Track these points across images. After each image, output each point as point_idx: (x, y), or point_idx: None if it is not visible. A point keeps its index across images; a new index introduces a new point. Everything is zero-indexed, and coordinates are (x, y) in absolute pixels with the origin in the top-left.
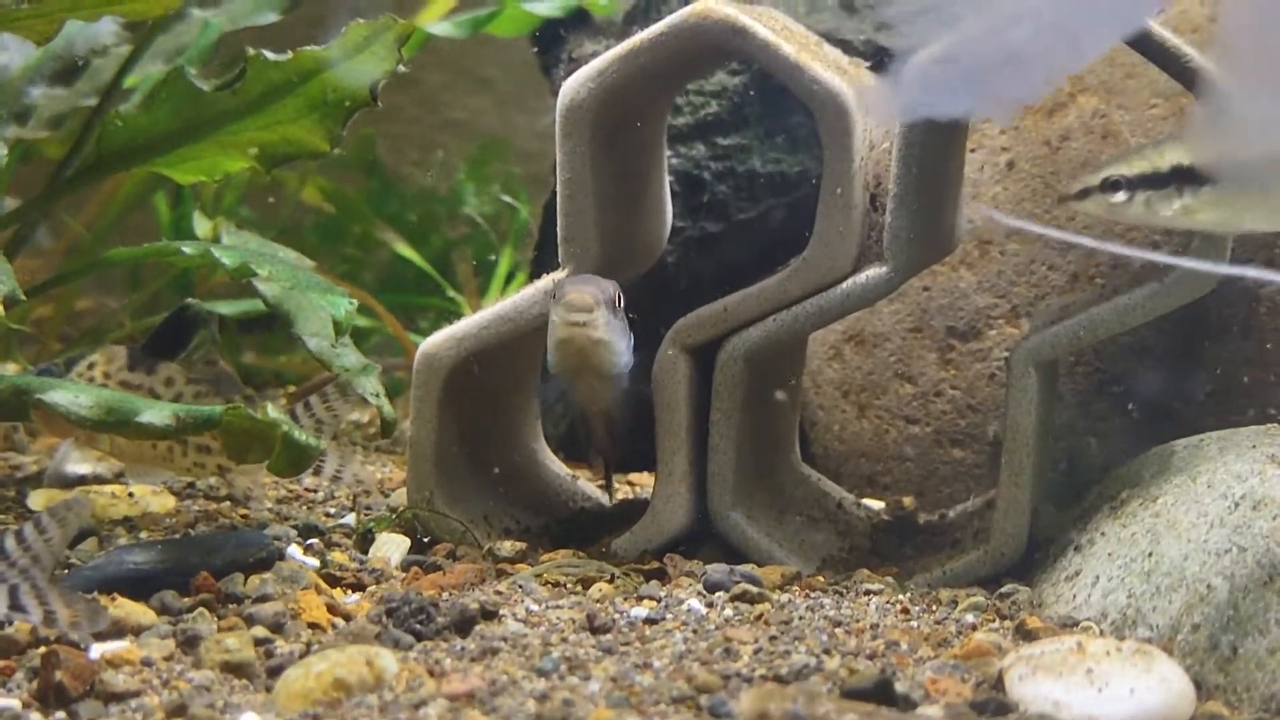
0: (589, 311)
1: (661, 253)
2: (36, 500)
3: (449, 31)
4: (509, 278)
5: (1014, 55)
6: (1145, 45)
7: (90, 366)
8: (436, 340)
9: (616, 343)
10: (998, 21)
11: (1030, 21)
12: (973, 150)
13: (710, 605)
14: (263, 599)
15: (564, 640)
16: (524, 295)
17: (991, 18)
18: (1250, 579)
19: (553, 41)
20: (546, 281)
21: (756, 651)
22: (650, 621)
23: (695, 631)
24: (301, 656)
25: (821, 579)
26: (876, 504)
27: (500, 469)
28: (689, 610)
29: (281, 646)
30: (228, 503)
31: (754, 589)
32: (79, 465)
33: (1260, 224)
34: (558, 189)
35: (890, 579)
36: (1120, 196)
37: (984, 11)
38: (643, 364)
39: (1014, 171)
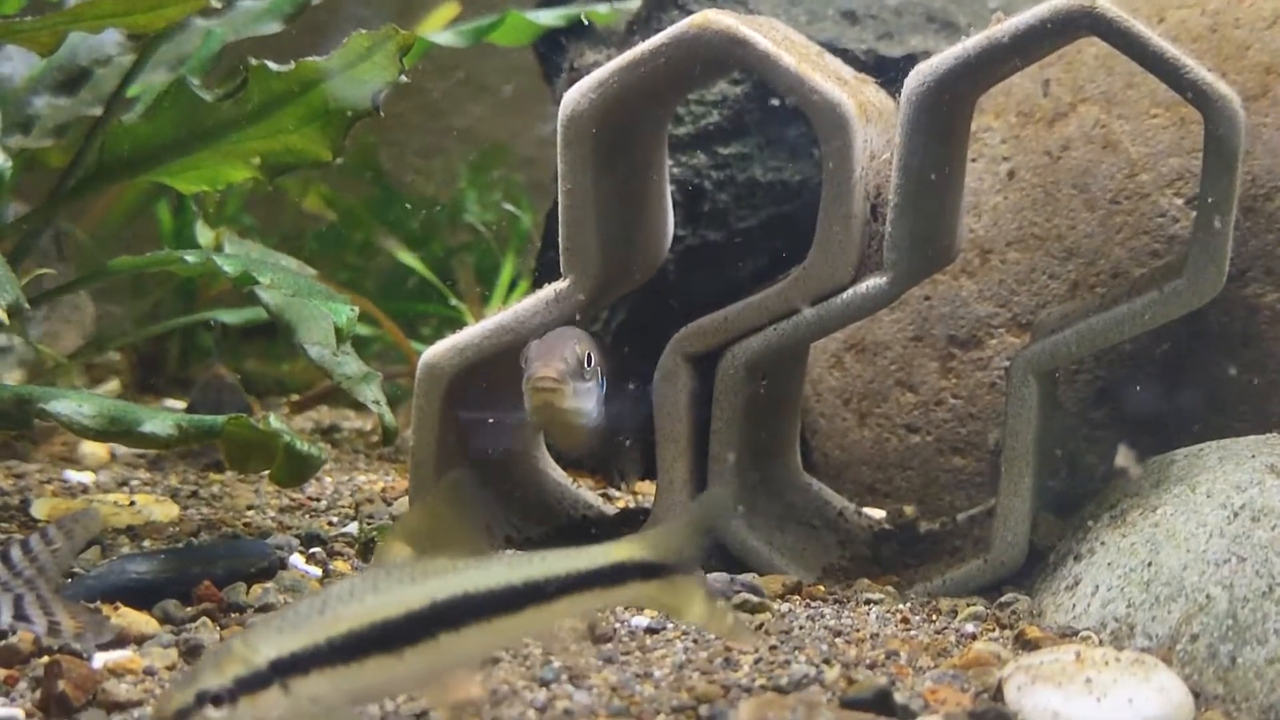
0: (554, 388)
1: (663, 261)
2: (40, 509)
3: (451, 41)
4: (512, 285)
5: None
6: (1143, 55)
7: None
8: (438, 350)
9: (584, 405)
10: None
11: None
12: (973, 159)
13: None
14: (265, 608)
15: (565, 649)
16: (525, 305)
17: None
18: (1249, 589)
19: (554, 50)
20: (549, 291)
21: (757, 661)
22: (651, 631)
23: (696, 641)
24: None
25: (822, 588)
26: (877, 512)
27: (502, 477)
28: None
29: None
30: (231, 511)
31: (755, 598)
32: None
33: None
34: (559, 198)
35: (890, 588)
36: (220, 712)
37: None
38: (643, 374)
39: (1015, 180)
